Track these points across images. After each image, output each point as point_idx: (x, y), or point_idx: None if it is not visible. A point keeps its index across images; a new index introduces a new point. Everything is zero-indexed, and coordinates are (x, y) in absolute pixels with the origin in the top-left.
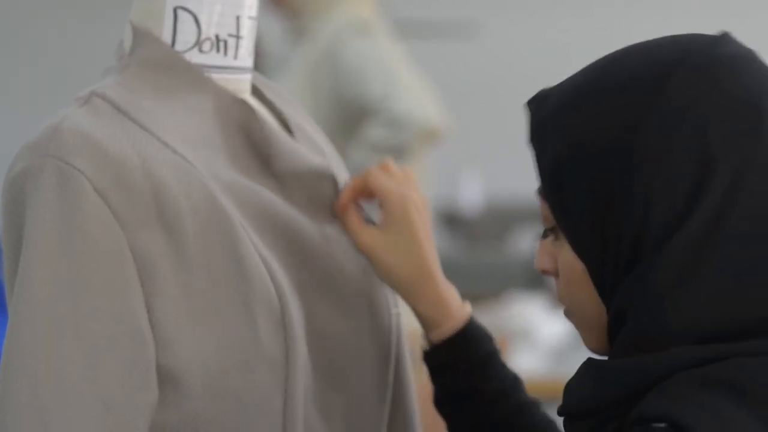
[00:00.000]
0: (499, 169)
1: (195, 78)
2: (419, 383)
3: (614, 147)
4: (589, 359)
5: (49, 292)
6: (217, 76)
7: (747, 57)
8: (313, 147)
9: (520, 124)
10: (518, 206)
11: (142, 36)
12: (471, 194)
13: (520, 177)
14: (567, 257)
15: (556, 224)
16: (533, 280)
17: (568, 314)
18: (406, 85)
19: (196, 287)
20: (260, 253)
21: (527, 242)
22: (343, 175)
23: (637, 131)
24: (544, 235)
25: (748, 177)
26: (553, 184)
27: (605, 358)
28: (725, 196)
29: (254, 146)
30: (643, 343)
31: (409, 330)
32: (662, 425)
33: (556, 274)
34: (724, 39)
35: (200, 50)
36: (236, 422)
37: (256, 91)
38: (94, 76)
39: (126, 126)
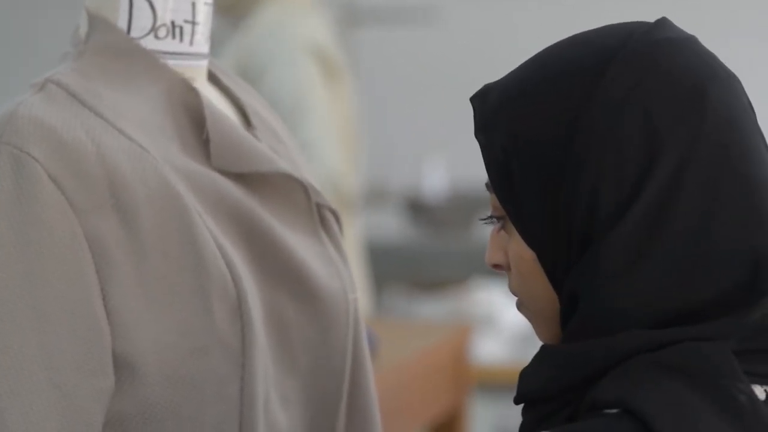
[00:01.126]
0: (463, 156)
1: (150, 65)
2: (377, 368)
3: (558, 138)
4: (543, 346)
5: (4, 279)
6: (172, 63)
7: (687, 40)
8: (271, 133)
9: None
10: (483, 193)
11: (97, 22)
12: (435, 181)
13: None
14: (517, 248)
15: (505, 216)
16: None
17: (521, 306)
18: (317, 117)
19: (152, 274)
20: (216, 241)
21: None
22: (299, 159)
23: (579, 120)
24: (491, 222)
25: (694, 158)
26: (500, 177)
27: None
28: (672, 178)
29: (202, 134)
30: (594, 327)
31: (365, 314)
32: (615, 411)
33: (508, 267)
34: (663, 24)
35: (156, 36)
36: (192, 408)
37: (213, 78)
38: (50, 63)
39: (81, 113)
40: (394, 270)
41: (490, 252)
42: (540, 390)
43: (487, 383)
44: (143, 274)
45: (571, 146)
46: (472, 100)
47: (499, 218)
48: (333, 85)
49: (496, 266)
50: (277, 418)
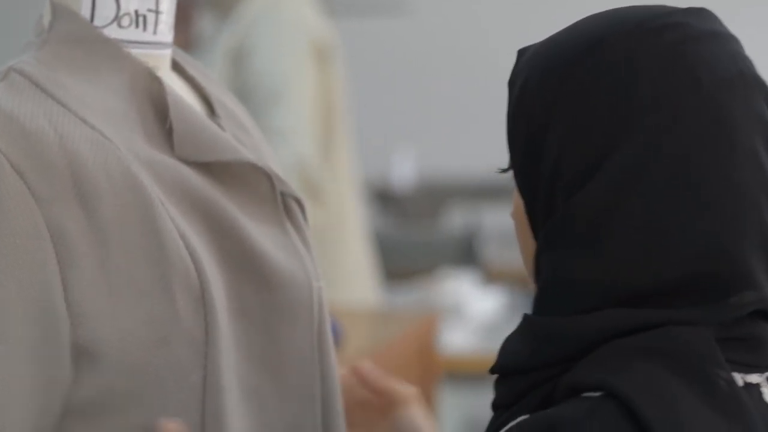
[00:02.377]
0: (431, 146)
1: (113, 54)
2: (344, 359)
3: (547, 95)
4: (525, 315)
5: None
6: (136, 52)
7: (714, 33)
8: (235, 123)
9: (452, 101)
10: (451, 183)
11: (60, 11)
12: (403, 171)
13: (452, 154)
14: (516, 195)
15: None
16: (465, 256)
17: (524, 261)
18: (295, 103)
19: (114, 264)
20: (180, 230)
21: (460, 219)
22: (264, 148)
23: (566, 82)
24: (506, 171)
25: (671, 142)
26: (508, 124)
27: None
28: (645, 154)
29: (165, 124)
30: (556, 297)
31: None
32: (598, 394)
33: None
34: (698, 13)
35: (119, 25)
36: (154, 397)
37: (177, 67)
38: (13, 53)
39: (44, 102)
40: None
41: (513, 203)
42: (516, 363)
43: (455, 373)
44: (105, 264)
45: (553, 106)
46: (519, 51)
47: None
48: (324, 71)
49: (513, 216)
50: (237, 408)
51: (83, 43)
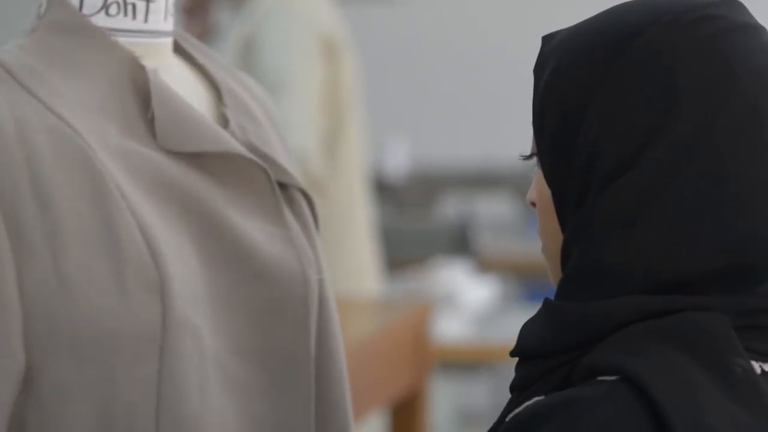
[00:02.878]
0: (425, 135)
1: (99, 42)
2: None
3: (585, 84)
4: (546, 299)
5: None
6: (125, 40)
7: (746, 25)
8: (243, 112)
9: (445, 91)
10: (444, 172)
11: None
12: (397, 160)
13: (446, 143)
14: (540, 183)
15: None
16: (459, 245)
17: (543, 249)
18: (298, 97)
19: (67, 255)
20: (141, 223)
21: (453, 208)
22: (274, 139)
23: (606, 71)
24: (530, 158)
25: (710, 134)
26: (535, 110)
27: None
28: (683, 147)
29: (148, 113)
30: (584, 283)
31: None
32: (613, 378)
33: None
34: (732, 5)
35: (107, 13)
36: (106, 389)
37: (186, 55)
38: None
39: (12, 91)
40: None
41: (531, 190)
42: (536, 347)
43: (449, 362)
44: (58, 256)
45: (592, 95)
46: (543, 37)
47: (533, 156)
48: (334, 65)
49: (532, 204)
50: (216, 400)
51: (69, 31)
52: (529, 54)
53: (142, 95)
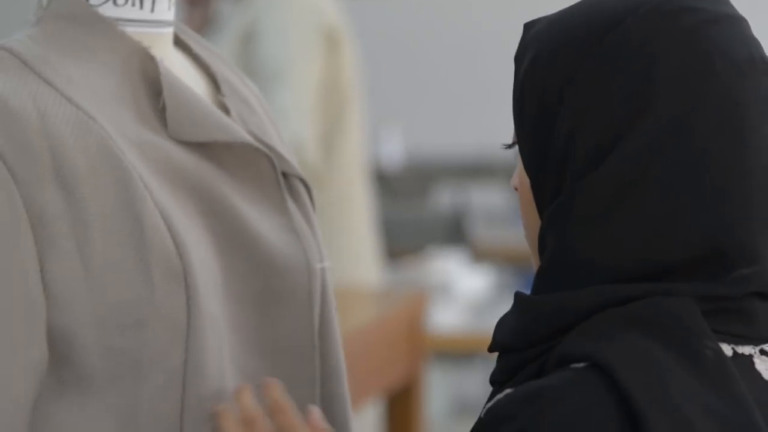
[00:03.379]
0: (419, 125)
1: (108, 32)
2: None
3: (563, 74)
4: (516, 293)
5: None
6: (132, 30)
7: (727, 16)
8: (241, 101)
9: (440, 81)
10: (439, 162)
11: None
12: (392, 150)
13: (440, 133)
14: (521, 170)
15: None
16: (453, 235)
17: (525, 236)
18: (295, 89)
19: (92, 245)
20: (163, 213)
21: (447, 198)
22: (272, 129)
23: (583, 61)
24: (512, 146)
25: (685, 125)
26: (515, 98)
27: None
28: (659, 138)
29: (159, 103)
30: (558, 273)
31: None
32: (582, 365)
33: None
34: (693, 2)
35: (115, 3)
36: (132, 380)
37: (183, 46)
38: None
39: (29, 80)
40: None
41: (514, 176)
42: (510, 340)
43: (443, 352)
44: (83, 246)
45: (568, 85)
46: (524, 25)
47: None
48: (333, 56)
49: (516, 189)
50: (231, 391)
51: (77, 21)
52: None
53: (151, 85)
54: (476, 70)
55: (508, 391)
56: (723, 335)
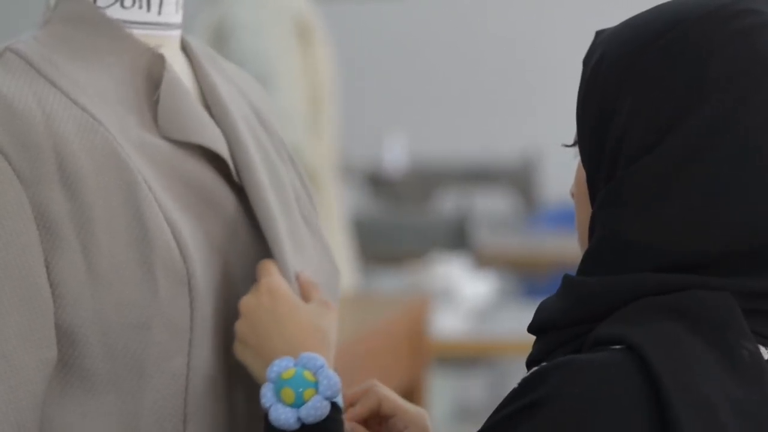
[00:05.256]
0: (423, 131)
1: (115, 34)
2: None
3: (617, 72)
4: (564, 276)
5: None
6: (139, 32)
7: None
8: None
9: (443, 86)
10: (442, 167)
11: None
12: (395, 155)
13: (444, 138)
14: (581, 172)
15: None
16: (457, 240)
17: (579, 238)
18: (283, 84)
19: (96, 246)
20: (167, 215)
21: (451, 203)
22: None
23: (640, 58)
24: (573, 146)
25: (735, 122)
26: (580, 98)
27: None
28: (710, 127)
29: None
30: (604, 258)
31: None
32: (618, 347)
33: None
34: (753, 4)
35: (122, 5)
36: (134, 382)
37: (190, 54)
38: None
39: (35, 82)
40: (353, 243)
41: (573, 184)
42: (550, 319)
43: (445, 357)
44: (87, 247)
45: (624, 82)
46: (596, 32)
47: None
48: (307, 49)
49: (572, 195)
50: (234, 398)
51: (84, 22)
52: (526, 51)
53: (155, 84)
54: (480, 76)
55: (543, 364)
56: (761, 337)
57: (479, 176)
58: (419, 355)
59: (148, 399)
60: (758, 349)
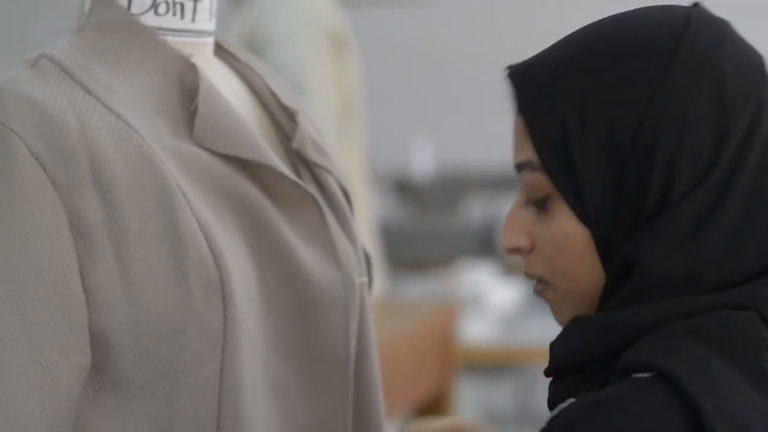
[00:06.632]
0: (450, 136)
1: (149, 41)
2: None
3: (631, 114)
4: (576, 317)
5: None
6: (173, 40)
7: (726, 23)
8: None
9: (471, 92)
10: (469, 173)
11: None
12: (423, 161)
13: (471, 144)
14: (562, 228)
15: (549, 195)
16: (484, 247)
17: (545, 290)
18: (318, 89)
19: (130, 252)
20: (201, 222)
21: (478, 210)
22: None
23: (654, 97)
24: (523, 205)
25: (759, 126)
26: (556, 154)
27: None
28: (742, 145)
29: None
30: (645, 293)
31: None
32: (648, 375)
33: (530, 251)
34: (703, 6)
35: (156, 13)
36: (166, 388)
37: (228, 56)
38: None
39: (70, 89)
40: (381, 250)
41: (510, 235)
42: (572, 358)
43: (473, 364)
44: (121, 254)
45: (645, 123)
46: (511, 76)
47: (538, 200)
48: (339, 59)
49: (514, 250)
50: (263, 402)
51: (118, 30)
52: None
53: (189, 93)
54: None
55: (571, 400)
56: None
57: (506, 183)
58: (447, 362)
59: (182, 405)
60: None
